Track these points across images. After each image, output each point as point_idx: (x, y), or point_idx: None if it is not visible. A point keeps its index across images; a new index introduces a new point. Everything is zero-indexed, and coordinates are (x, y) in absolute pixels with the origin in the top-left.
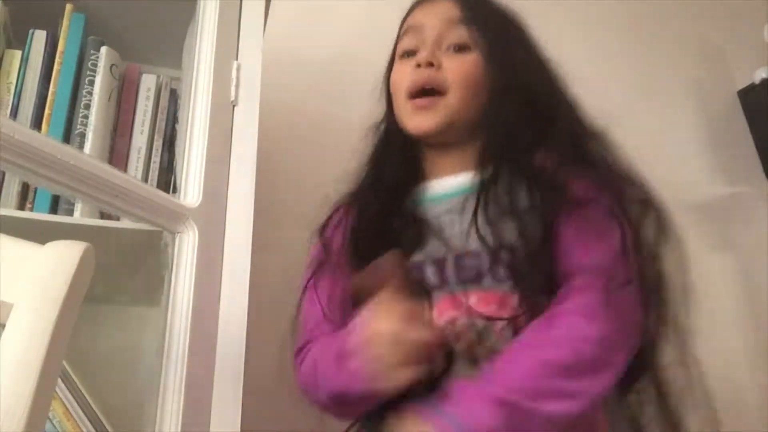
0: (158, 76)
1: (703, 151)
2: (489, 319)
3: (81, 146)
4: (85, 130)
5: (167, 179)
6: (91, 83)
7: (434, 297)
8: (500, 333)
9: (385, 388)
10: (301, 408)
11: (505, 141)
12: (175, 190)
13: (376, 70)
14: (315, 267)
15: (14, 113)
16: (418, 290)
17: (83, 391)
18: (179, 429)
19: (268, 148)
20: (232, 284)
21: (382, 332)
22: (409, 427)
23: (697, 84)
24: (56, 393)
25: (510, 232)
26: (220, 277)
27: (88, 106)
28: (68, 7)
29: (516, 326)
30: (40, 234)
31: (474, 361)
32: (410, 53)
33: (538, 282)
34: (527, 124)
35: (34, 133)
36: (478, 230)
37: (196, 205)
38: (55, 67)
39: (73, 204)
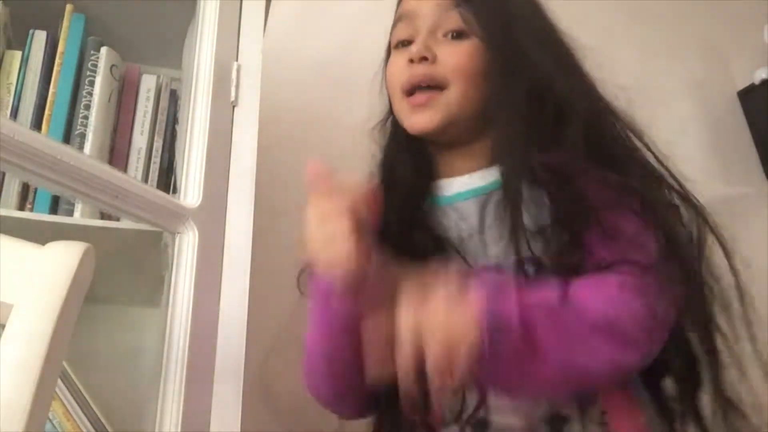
0: (158, 77)
1: (703, 151)
2: None
3: (81, 147)
4: (85, 130)
5: (167, 180)
6: (91, 84)
7: None
8: None
9: (333, 262)
10: (301, 408)
11: (515, 139)
12: (175, 191)
13: (376, 70)
14: None
15: (14, 114)
16: None
17: (83, 391)
18: (179, 429)
19: (268, 148)
20: (232, 284)
21: (311, 218)
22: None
23: (697, 84)
24: (56, 393)
25: (533, 244)
26: (220, 277)
27: (88, 107)
28: (68, 7)
29: None
30: (40, 234)
31: None
32: (405, 43)
33: None
34: (538, 117)
35: (34, 133)
36: (502, 242)
37: (196, 205)
38: (55, 67)
39: (73, 204)
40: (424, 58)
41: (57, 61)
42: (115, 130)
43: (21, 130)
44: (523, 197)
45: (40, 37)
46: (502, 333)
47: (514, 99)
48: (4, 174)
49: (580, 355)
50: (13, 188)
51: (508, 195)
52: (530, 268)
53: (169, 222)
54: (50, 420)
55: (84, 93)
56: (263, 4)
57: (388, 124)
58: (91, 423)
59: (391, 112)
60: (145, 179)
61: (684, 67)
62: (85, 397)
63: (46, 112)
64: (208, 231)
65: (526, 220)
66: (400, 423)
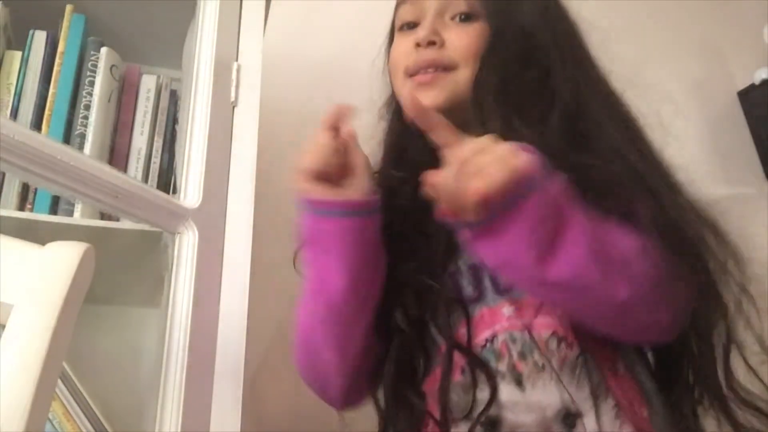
0: (158, 77)
1: (703, 151)
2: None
3: (81, 147)
4: (85, 130)
5: (167, 180)
6: (91, 84)
7: (471, 313)
8: (545, 345)
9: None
10: (300, 408)
11: (500, 106)
12: (175, 191)
13: (376, 70)
14: None
15: (14, 114)
16: (455, 308)
17: (83, 391)
18: (179, 429)
19: (268, 148)
20: (232, 284)
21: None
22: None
23: (697, 84)
24: (56, 393)
25: None
26: (220, 277)
27: (88, 107)
28: (68, 7)
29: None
30: (40, 234)
31: (519, 382)
32: (410, 25)
33: None
34: (530, 96)
35: (34, 133)
36: None
37: (196, 205)
38: (55, 67)
39: (73, 204)
40: (432, 43)
41: (57, 61)
42: (115, 130)
43: (21, 130)
44: None
45: (40, 37)
46: (540, 193)
47: (507, 70)
48: (4, 174)
49: (611, 245)
50: (13, 188)
51: None
52: None
53: (168, 222)
54: (50, 420)
55: (84, 93)
56: (263, 4)
57: (392, 110)
58: (91, 423)
59: (394, 98)
60: (145, 179)
61: (684, 67)
62: (85, 398)
63: (46, 112)
64: (208, 231)
65: None
66: (406, 422)
